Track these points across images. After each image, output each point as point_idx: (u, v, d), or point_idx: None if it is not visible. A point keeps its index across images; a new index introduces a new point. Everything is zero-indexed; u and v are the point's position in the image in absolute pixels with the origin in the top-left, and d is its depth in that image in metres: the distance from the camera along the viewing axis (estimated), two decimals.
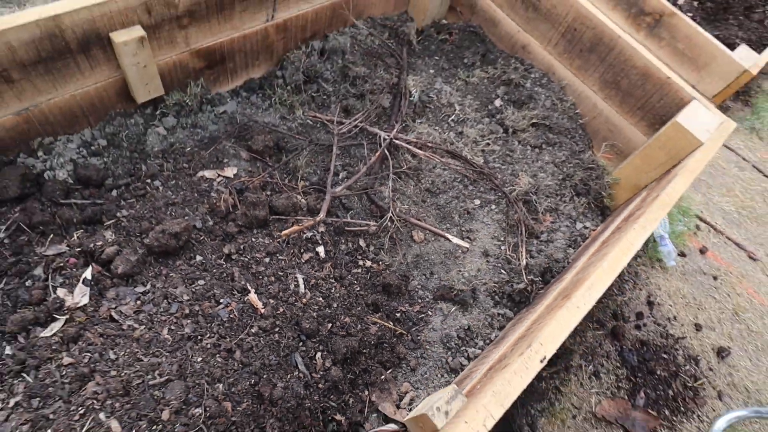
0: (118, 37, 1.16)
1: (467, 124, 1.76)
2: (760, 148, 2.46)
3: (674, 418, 1.39)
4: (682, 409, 1.41)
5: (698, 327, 1.62)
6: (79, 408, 0.80)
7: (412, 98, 1.73)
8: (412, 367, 1.22)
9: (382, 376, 1.17)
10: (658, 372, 1.44)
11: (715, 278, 1.79)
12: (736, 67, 2.33)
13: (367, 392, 1.13)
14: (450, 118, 1.76)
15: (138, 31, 1.18)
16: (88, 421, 0.78)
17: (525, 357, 0.89)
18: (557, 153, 1.77)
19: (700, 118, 1.48)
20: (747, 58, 2.36)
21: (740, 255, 1.92)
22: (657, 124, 1.63)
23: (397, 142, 1.58)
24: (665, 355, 1.49)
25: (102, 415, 0.79)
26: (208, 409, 0.84)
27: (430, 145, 1.63)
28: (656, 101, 1.62)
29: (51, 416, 0.79)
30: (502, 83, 1.86)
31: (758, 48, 2.55)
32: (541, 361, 0.90)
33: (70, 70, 1.16)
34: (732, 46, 2.39)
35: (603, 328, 1.49)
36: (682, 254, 1.81)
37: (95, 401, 0.81)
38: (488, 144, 1.72)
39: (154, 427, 0.80)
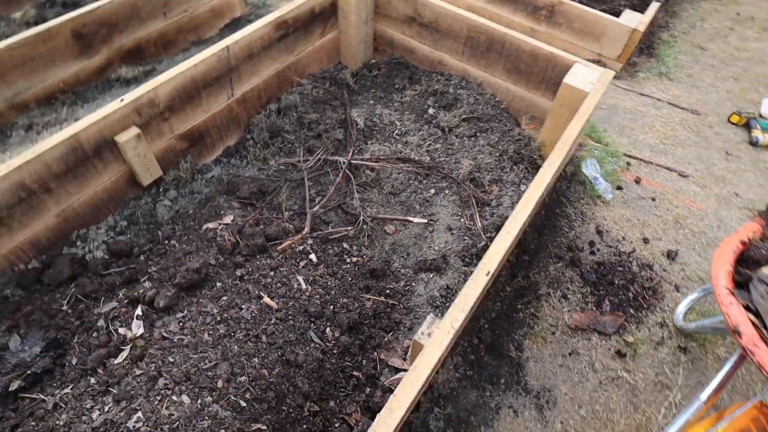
0: (121, 138, 1.51)
1: (409, 134, 2.10)
2: (671, 88, 2.81)
3: (639, 314, 1.63)
4: (644, 305, 1.65)
5: (646, 240, 1.89)
6: (157, 396, 1.06)
7: (359, 126, 2.09)
8: (408, 326, 1.48)
9: (385, 339, 1.44)
10: (617, 282, 1.70)
11: (653, 199, 2.07)
12: (625, 29, 2.75)
13: (375, 353, 1.39)
14: (394, 133, 2.10)
15: (134, 130, 1.54)
16: (166, 402, 1.05)
17: (475, 274, 1.17)
18: (490, 136, 2.10)
19: (582, 76, 1.82)
20: (632, 20, 2.79)
21: (671, 176, 2.21)
22: (555, 90, 1.97)
23: (355, 162, 1.91)
24: (620, 268, 1.75)
25: (174, 397, 1.06)
26: (250, 375, 1.11)
27: (383, 157, 1.96)
28: (550, 73, 1.97)
29: (137, 408, 1.06)
30: (430, 95, 2.23)
31: (642, 9, 2.97)
32: (487, 275, 1.18)
33: (90, 173, 1.51)
34: (618, 14, 2.80)
35: (562, 261, 1.76)
36: (619, 188, 2.10)
37: (167, 390, 1.08)
38: (430, 144, 2.06)
39: (214, 393, 1.06)
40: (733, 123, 2.57)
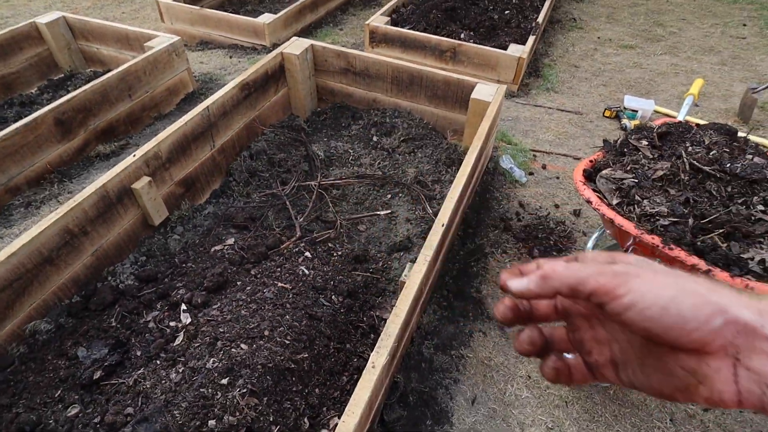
0: (137, 185, 1.93)
1: (362, 157, 2.67)
2: (557, 98, 3.63)
3: (561, 254, 2.21)
4: (563, 248, 2.24)
5: (557, 206, 2.52)
6: (219, 351, 1.44)
7: (321, 157, 2.62)
8: (392, 291, 1.95)
9: (377, 301, 1.89)
10: (540, 236, 2.29)
11: (557, 178, 2.74)
12: (512, 58, 3.56)
13: (371, 312, 1.84)
14: (350, 159, 2.66)
15: (146, 179, 1.96)
16: (227, 352, 1.43)
17: (434, 226, 1.69)
18: (425, 150, 2.71)
19: (484, 91, 2.49)
20: (517, 51, 3.62)
21: (568, 160, 2.92)
22: (466, 106, 2.64)
23: (323, 184, 2.42)
24: (541, 227, 2.35)
25: (233, 348, 1.44)
26: (285, 325, 1.52)
27: (345, 177, 2.49)
28: (460, 94, 2.64)
29: (206, 364, 1.43)
30: (372, 126, 2.83)
31: (523, 42, 3.85)
32: (442, 226, 1.70)
33: (115, 216, 1.90)
34: (506, 48, 3.64)
35: (498, 228, 2.33)
36: (530, 173, 2.76)
37: (225, 346, 1.46)
38: (380, 162, 2.63)
39: (262, 340, 1.46)
40: (606, 116, 3.39)
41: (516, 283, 0.42)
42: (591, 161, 1.62)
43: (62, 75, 3.51)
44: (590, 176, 1.56)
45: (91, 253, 1.83)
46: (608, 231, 1.70)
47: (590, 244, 2.26)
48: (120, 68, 2.85)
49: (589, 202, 1.42)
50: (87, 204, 1.77)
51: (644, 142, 1.58)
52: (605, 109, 3.39)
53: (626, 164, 1.52)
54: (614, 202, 1.42)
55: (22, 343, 1.67)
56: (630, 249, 1.39)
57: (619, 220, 1.34)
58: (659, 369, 0.38)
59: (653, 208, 1.34)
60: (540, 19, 4.05)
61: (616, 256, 0.40)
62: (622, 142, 1.65)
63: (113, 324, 1.70)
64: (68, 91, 3.22)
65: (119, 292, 1.82)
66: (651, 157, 1.52)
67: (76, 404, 1.47)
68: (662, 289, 0.35)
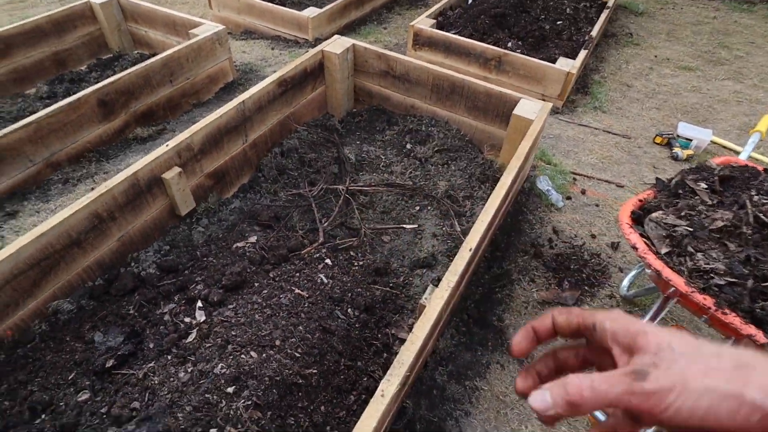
0: (167, 175, 1.95)
1: (393, 165, 2.63)
2: (604, 119, 3.49)
3: (593, 290, 2.12)
4: (596, 283, 2.14)
5: (593, 236, 2.42)
6: (229, 356, 1.44)
7: (351, 161, 2.60)
8: (410, 309, 1.91)
9: (394, 318, 1.86)
10: (572, 267, 2.19)
11: (596, 205, 2.63)
12: (561, 73, 3.45)
13: (387, 329, 1.81)
14: (381, 165, 2.62)
15: (177, 170, 1.98)
16: (236, 358, 1.42)
17: (461, 250, 1.64)
18: (459, 163, 2.65)
19: (527, 107, 2.41)
20: (566, 65, 3.50)
21: (610, 187, 2.80)
22: (507, 121, 2.55)
23: (351, 189, 2.40)
24: (575, 257, 2.25)
25: (243, 355, 1.44)
26: (298, 337, 1.51)
27: (374, 184, 2.46)
28: (502, 108, 2.57)
29: (214, 368, 1.43)
30: (406, 133, 2.78)
31: (573, 56, 3.72)
32: (470, 250, 1.65)
33: (143, 204, 1.93)
34: (554, 60, 3.52)
35: (527, 254, 2.25)
36: (568, 198, 2.66)
37: (235, 351, 1.45)
38: (411, 172, 2.58)
39: (274, 349, 1.45)
40: (657, 143, 3.23)
41: (538, 403, 0.40)
42: (640, 201, 1.52)
43: (111, 55, 3.62)
44: (638, 218, 1.47)
45: (117, 239, 1.87)
46: (651, 277, 1.61)
47: (626, 282, 2.16)
48: (164, 54, 2.90)
49: (634, 248, 1.34)
50: (117, 190, 1.80)
51: (703, 185, 1.47)
52: (656, 135, 3.23)
53: (680, 209, 1.42)
54: (663, 251, 1.33)
55: (44, 321, 1.72)
56: (673, 301, 1.30)
57: (668, 273, 1.24)
58: None
59: (708, 264, 1.24)
60: (594, 32, 3.90)
61: (641, 334, 0.41)
62: (678, 182, 1.54)
63: (131, 312, 1.73)
64: (114, 71, 3.31)
65: (140, 280, 1.85)
66: (710, 203, 1.41)
67: (87, 390, 1.50)
68: (698, 399, 0.36)
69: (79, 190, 2.49)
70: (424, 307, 1.56)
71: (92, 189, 2.51)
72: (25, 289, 1.63)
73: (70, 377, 1.55)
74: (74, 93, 2.66)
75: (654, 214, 1.45)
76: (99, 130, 2.74)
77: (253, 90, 2.35)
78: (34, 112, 2.47)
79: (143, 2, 3.51)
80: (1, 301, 1.57)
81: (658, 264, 1.27)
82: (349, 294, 1.81)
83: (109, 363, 1.50)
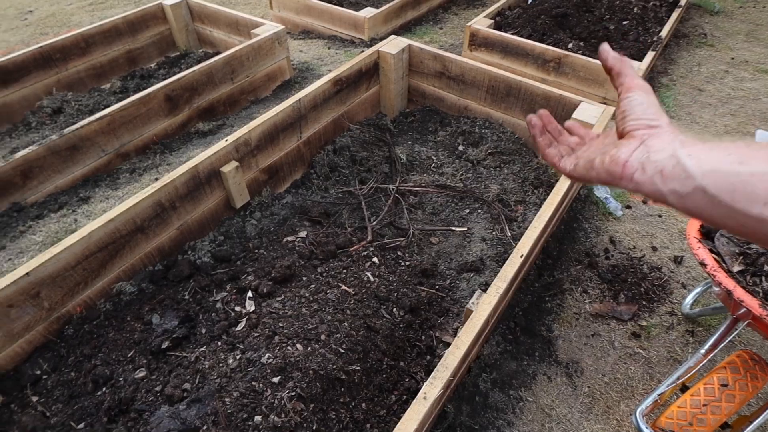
0: (225, 169, 2.03)
1: (444, 166, 2.60)
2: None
3: (651, 305, 2.00)
4: (655, 298, 2.02)
5: (654, 248, 2.28)
6: (276, 347, 1.48)
7: (402, 161, 2.60)
8: (456, 313, 1.88)
9: (438, 321, 1.84)
10: (630, 280, 2.08)
11: (660, 216, 2.48)
12: None
13: (431, 332, 1.79)
14: (432, 166, 2.60)
15: (234, 164, 2.06)
16: (283, 349, 1.46)
17: (512, 256, 1.60)
18: (512, 167, 2.58)
19: (587, 112, 2.31)
20: None
21: None
22: None
23: (401, 189, 2.40)
24: (633, 269, 2.14)
25: (289, 347, 1.47)
26: (343, 333, 1.52)
27: (424, 185, 2.44)
28: (560, 111, 2.48)
29: (261, 357, 1.47)
30: (459, 135, 2.75)
31: (640, 58, 3.53)
32: (521, 257, 1.60)
33: (201, 196, 2.02)
34: None
35: (581, 264, 2.16)
36: (628, 207, 2.53)
37: (282, 342, 1.49)
38: (462, 174, 2.55)
39: (320, 343, 1.47)
40: None
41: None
42: None
43: (178, 53, 3.82)
44: (708, 233, 1.37)
45: (176, 227, 1.97)
46: (718, 296, 1.50)
47: (689, 299, 2.03)
48: (226, 53, 3.03)
49: (703, 264, 1.25)
50: (179, 182, 1.89)
51: None
52: None
53: None
54: (735, 269, 1.23)
55: (108, 301, 1.84)
56: (743, 324, 1.20)
57: (740, 293, 1.15)
58: (598, 150, 0.58)
59: None
60: (664, 32, 3.68)
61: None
62: None
63: (186, 297, 1.81)
64: (181, 69, 3.50)
65: (195, 267, 1.94)
66: None
67: (143, 368, 1.59)
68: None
69: (144, 179, 2.65)
70: (471, 312, 1.53)
71: (156, 179, 2.66)
72: (94, 270, 1.76)
73: (129, 355, 1.65)
74: (144, 89, 2.83)
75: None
76: (164, 123, 2.90)
77: (309, 89, 2.40)
78: (108, 106, 2.66)
79: (209, 3, 3.68)
80: (73, 279, 1.69)
81: (729, 283, 1.18)
82: (395, 294, 1.81)
83: (165, 344, 1.58)
